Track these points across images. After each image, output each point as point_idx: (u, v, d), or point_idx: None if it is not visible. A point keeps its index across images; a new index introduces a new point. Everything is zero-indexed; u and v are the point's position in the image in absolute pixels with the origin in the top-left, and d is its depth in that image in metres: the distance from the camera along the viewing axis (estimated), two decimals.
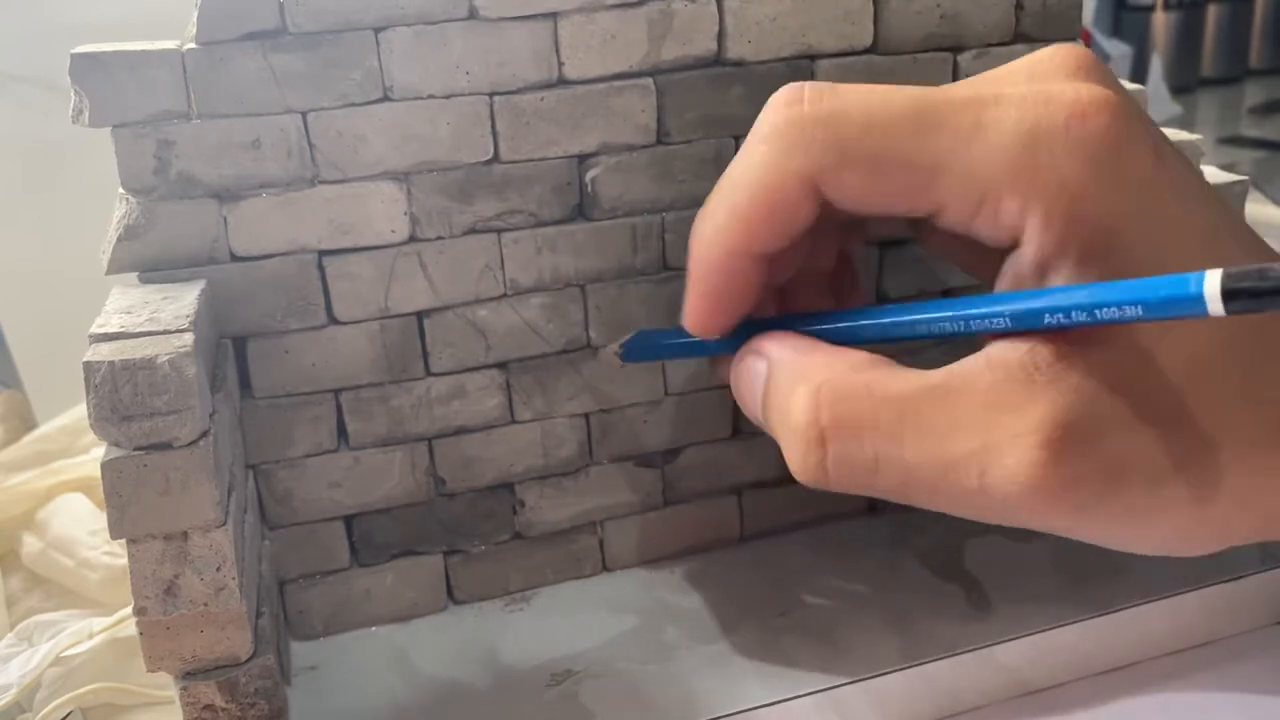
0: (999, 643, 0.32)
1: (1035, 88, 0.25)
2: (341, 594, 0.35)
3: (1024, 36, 0.36)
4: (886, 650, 0.32)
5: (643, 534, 0.37)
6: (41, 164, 0.61)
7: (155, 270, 0.31)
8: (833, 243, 0.32)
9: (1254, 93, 1.30)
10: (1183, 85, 1.26)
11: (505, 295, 0.34)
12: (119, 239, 0.30)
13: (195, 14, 0.29)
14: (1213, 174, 0.41)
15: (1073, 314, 0.24)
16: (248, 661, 0.28)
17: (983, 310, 0.25)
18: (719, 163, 0.34)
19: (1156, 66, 1.19)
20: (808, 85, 0.27)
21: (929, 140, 0.25)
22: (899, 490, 0.26)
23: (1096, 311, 0.23)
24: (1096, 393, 0.24)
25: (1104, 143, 0.25)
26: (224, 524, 0.26)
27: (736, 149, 0.34)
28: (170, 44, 0.30)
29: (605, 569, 0.37)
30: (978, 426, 0.24)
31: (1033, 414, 0.24)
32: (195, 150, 0.30)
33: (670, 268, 0.35)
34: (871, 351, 0.27)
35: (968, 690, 0.32)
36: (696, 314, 0.29)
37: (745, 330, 0.30)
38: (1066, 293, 0.24)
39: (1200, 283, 0.21)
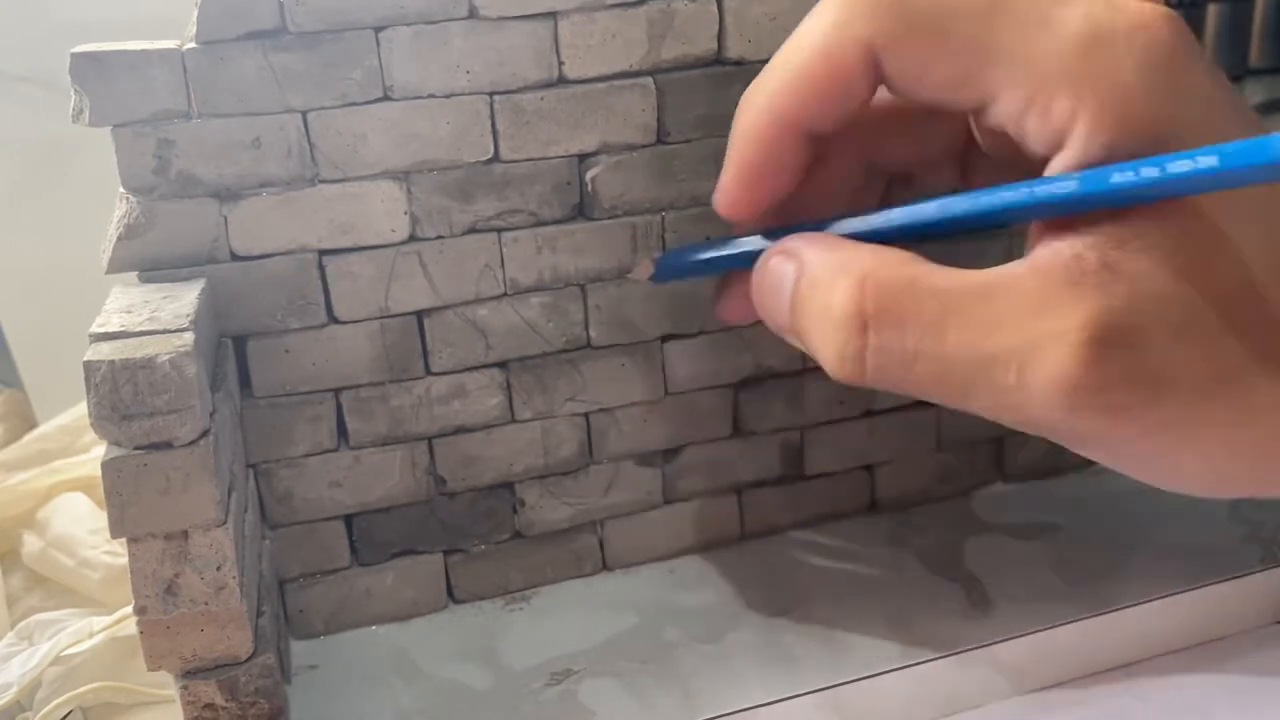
0: (999, 642, 0.32)
1: None
2: (342, 593, 0.35)
3: None
4: (886, 650, 0.32)
5: (642, 534, 0.37)
6: (42, 164, 0.61)
7: (155, 269, 0.31)
8: (874, 191, 0.32)
9: (1254, 92, 1.29)
10: None
11: (505, 295, 0.34)
12: (119, 238, 0.30)
13: (195, 14, 0.29)
14: None
15: (1141, 170, 0.23)
16: (248, 660, 0.28)
17: (1047, 187, 0.24)
18: (719, 162, 0.34)
19: None
20: None
21: (994, 25, 0.25)
22: (934, 385, 0.26)
23: (1167, 165, 0.22)
24: (1143, 300, 0.24)
25: (1165, 52, 0.24)
26: (224, 523, 0.26)
27: None
28: (170, 44, 0.30)
29: (605, 569, 0.37)
30: (1020, 325, 0.24)
31: (1076, 314, 0.24)
32: (195, 150, 0.30)
33: None
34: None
35: (968, 690, 0.32)
36: (730, 189, 0.29)
37: (772, 240, 0.29)
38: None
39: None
